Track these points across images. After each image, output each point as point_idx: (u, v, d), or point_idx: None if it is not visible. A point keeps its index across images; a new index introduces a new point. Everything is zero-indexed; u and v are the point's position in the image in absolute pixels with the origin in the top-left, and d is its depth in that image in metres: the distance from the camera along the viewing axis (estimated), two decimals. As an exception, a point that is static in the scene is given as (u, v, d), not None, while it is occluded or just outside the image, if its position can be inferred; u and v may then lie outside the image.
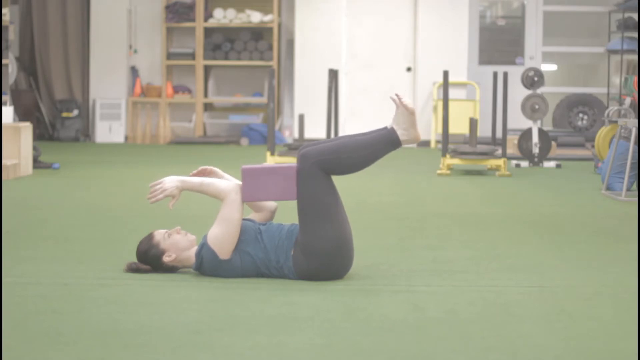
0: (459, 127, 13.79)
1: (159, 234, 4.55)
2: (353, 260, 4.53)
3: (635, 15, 14.34)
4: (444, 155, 10.30)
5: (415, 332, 3.58)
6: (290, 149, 10.94)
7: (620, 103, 11.76)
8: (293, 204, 4.47)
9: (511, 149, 12.24)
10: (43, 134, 15.08)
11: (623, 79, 12.22)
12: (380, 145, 4.46)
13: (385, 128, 4.50)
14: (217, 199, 4.48)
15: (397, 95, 4.50)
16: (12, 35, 12.56)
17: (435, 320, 3.77)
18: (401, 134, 4.46)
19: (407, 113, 4.47)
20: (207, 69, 15.24)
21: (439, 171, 10.24)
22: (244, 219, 4.53)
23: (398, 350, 3.33)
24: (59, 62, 15.15)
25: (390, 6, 14.97)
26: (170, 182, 4.51)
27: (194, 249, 4.53)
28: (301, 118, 11.61)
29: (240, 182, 4.49)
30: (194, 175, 4.65)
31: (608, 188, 8.45)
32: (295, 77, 14.89)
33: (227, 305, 3.98)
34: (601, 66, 15.55)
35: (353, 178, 4.94)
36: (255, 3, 15.13)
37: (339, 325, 3.68)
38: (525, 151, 11.46)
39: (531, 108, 11.27)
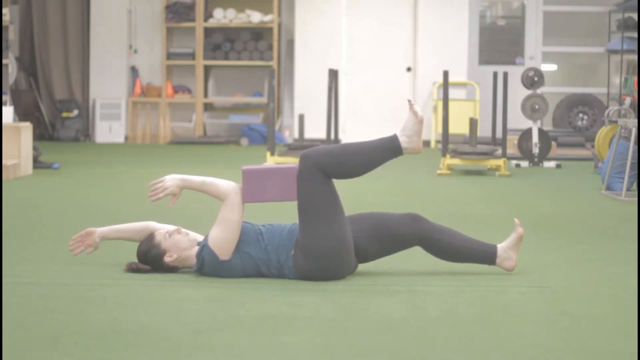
0: (459, 127, 13.79)
1: (160, 234, 4.55)
2: (354, 264, 4.52)
3: (635, 15, 14.35)
4: (444, 155, 10.30)
5: (415, 332, 3.58)
6: (290, 149, 10.94)
7: (620, 103, 11.76)
8: (293, 205, 4.47)
9: (511, 149, 12.24)
10: (43, 134, 15.08)
11: (623, 79, 12.22)
12: (381, 151, 4.46)
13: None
14: (218, 199, 4.49)
15: (409, 100, 4.52)
16: (12, 35, 12.55)
17: (435, 320, 3.77)
18: (403, 141, 4.46)
19: (415, 120, 4.47)
20: (207, 69, 15.24)
21: (439, 171, 10.24)
22: (243, 222, 4.53)
23: (398, 350, 3.33)
24: (59, 62, 15.15)
25: (390, 6, 14.97)
26: (171, 180, 4.52)
27: (195, 249, 4.53)
28: (301, 118, 11.61)
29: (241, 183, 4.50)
30: (76, 238, 4.72)
31: (608, 188, 8.45)
32: (295, 77, 14.89)
33: (227, 305, 3.98)
34: (601, 66, 15.55)
35: (354, 178, 4.93)
36: (255, 3, 15.13)
37: (339, 325, 3.68)
38: (525, 151, 11.46)
39: (531, 108, 11.27)
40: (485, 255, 4.60)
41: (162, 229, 4.66)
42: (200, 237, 4.60)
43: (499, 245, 4.62)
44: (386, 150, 4.47)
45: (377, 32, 15.01)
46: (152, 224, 4.71)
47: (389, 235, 4.53)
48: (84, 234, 4.74)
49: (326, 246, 4.37)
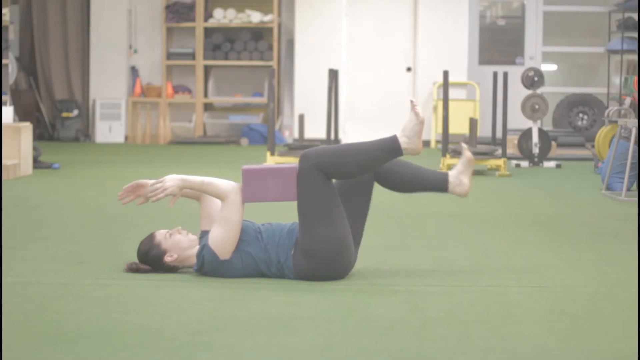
0: (459, 127, 13.79)
1: (160, 234, 4.55)
2: (353, 262, 4.52)
3: (635, 15, 14.35)
4: (444, 155, 10.30)
5: (415, 332, 3.58)
6: (290, 149, 10.94)
7: (620, 103, 11.76)
8: (293, 204, 4.47)
9: (511, 149, 12.24)
10: (43, 134, 15.08)
11: (623, 79, 12.22)
12: (381, 151, 4.46)
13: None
14: (218, 199, 4.48)
15: (412, 101, 4.52)
16: (12, 35, 12.55)
17: (435, 320, 3.77)
18: (403, 141, 4.46)
19: (416, 121, 4.47)
20: (207, 69, 15.24)
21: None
22: (243, 220, 4.52)
23: (398, 350, 3.33)
24: (59, 62, 15.15)
25: (390, 6, 14.97)
26: (171, 180, 4.51)
27: (195, 248, 4.53)
28: (301, 118, 11.60)
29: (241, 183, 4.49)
30: (127, 189, 4.63)
31: (608, 188, 8.45)
32: (295, 77, 14.89)
33: (227, 305, 3.98)
34: (601, 66, 15.55)
35: (353, 179, 4.95)
36: (255, 3, 15.13)
37: (339, 325, 3.68)
38: (525, 151, 11.46)
39: (531, 108, 11.27)
40: (437, 183, 4.59)
41: (207, 197, 4.60)
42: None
43: (449, 172, 4.61)
44: (386, 150, 4.47)
45: (377, 32, 15.01)
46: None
47: (351, 190, 4.53)
48: (135, 185, 4.66)
49: (326, 246, 4.37)
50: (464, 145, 4.68)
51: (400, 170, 4.58)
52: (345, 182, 4.57)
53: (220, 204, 4.53)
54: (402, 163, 4.59)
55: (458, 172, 4.62)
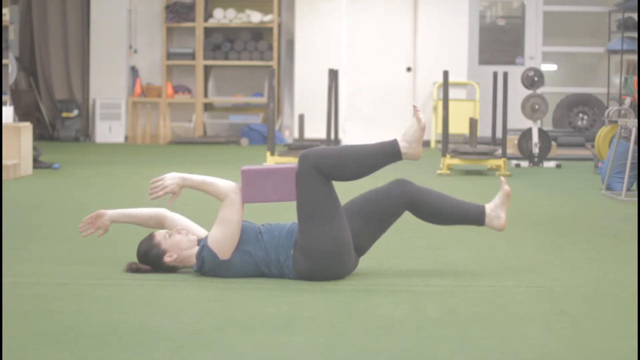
0: (459, 127, 13.79)
1: (160, 234, 4.55)
2: (354, 262, 4.52)
3: (635, 15, 14.35)
4: (444, 155, 10.30)
5: (415, 332, 3.58)
6: (290, 149, 10.94)
7: (620, 103, 11.76)
8: (293, 205, 4.47)
9: (511, 149, 12.24)
10: (43, 134, 15.08)
11: (623, 79, 12.22)
12: (380, 155, 4.46)
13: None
14: (217, 199, 4.48)
15: (415, 106, 4.52)
16: (12, 35, 12.56)
17: (435, 320, 3.77)
18: (403, 146, 4.46)
19: (417, 126, 4.46)
20: (207, 69, 15.24)
21: (439, 171, 10.24)
22: (243, 220, 4.52)
23: (398, 350, 3.33)
24: (59, 62, 15.15)
25: (390, 6, 14.97)
26: (172, 178, 4.51)
27: (195, 249, 4.53)
28: (301, 118, 11.61)
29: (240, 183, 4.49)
30: (86, 220, 4.69)
31: (608, 188, 8.45)
32: (295, 77, 14.89)
33: (227, 305, 3.98)
34: (601, 66, 15.55)
35: (352, 181, 4.94)
36: (255, 3, 15.13)
37: (339, 325, 3.68)
38: (525, 151, 11.46)
39: (531, 108, 11.27)
40: (475, 215, 4.57)
41: (170, 218, 4.65)
42: (202, 232, 4.60)
43: (487, 205, 4.60)
44: (385, 154, 4.46)
45: (377, 32, 15.01)
46: (163, 212, 4.70)
47: (378, 211, 4.51)
48: (94, 216, 4.72)
49: (325, 247, 4.37)
50: (502, 178, 4.65)
51: (435, 201, 4.52)
52: (379, 197, 4.52)
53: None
54: (436, 194, 4.54)
55: (495, 205, 4.59)
